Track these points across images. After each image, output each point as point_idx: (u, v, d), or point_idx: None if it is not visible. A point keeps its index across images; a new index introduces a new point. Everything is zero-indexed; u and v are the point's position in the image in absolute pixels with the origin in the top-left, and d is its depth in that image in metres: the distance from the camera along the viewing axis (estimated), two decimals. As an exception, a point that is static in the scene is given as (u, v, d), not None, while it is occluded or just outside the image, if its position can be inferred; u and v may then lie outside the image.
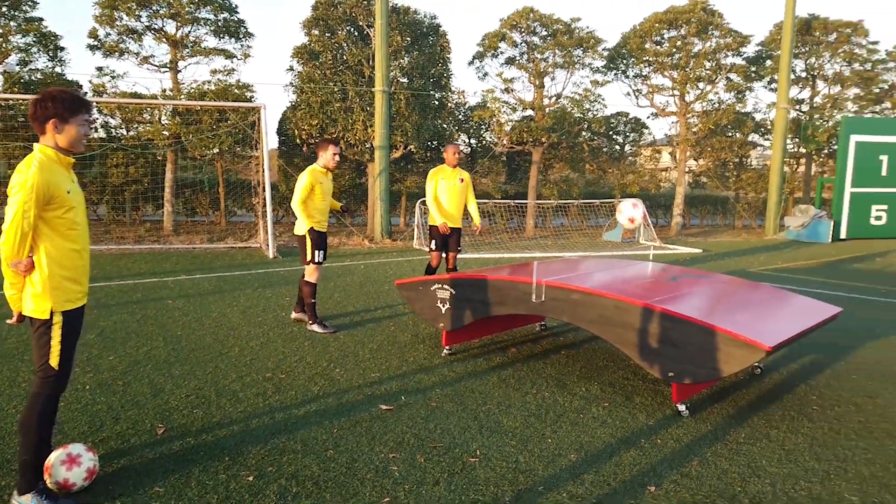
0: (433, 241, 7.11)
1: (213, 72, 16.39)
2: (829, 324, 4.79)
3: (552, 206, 19.73)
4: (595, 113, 19.27)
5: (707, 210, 24.36)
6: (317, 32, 16.73)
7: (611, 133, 22.34)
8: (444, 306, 5.34)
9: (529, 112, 19.36)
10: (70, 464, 2.93)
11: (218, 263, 11.02)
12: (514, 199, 18.57)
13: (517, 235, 17.89)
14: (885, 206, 18.11)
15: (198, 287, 8.60)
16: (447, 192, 7.05)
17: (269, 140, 13.32)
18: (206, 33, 16.52)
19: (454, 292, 5.26)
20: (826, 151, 21.79)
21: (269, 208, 12.29)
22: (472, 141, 21.04)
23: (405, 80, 17.29)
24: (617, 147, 22.80)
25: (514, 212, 18.80)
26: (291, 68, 17.12)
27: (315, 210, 6.18)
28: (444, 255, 7.18)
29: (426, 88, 17.16)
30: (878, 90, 22.93)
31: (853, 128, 17.82)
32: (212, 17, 16.34)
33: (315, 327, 6.23)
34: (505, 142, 19.11)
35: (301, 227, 6.19)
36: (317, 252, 6.20)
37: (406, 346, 5.72)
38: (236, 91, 15.96)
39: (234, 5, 16.61)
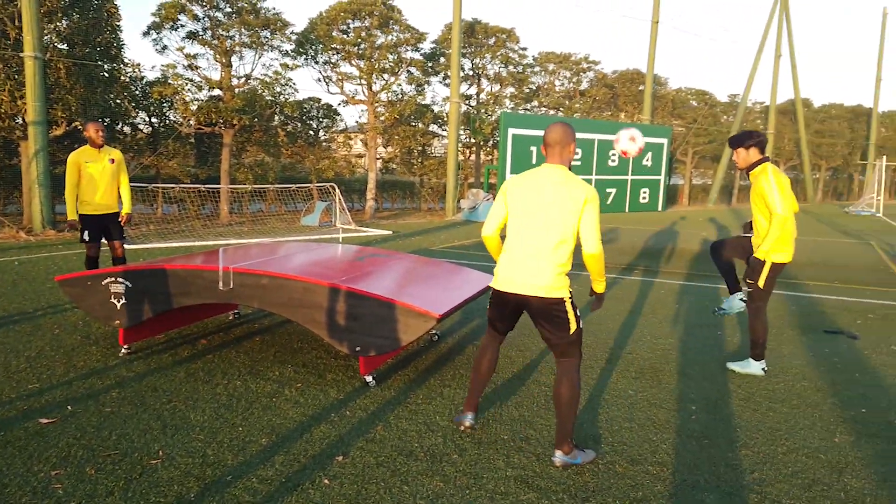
0: (85, 232, 6.46)
1: None
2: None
3: (248, 190, 19.13)
4: (287, 97, 19.13)
5: (397, 194, 26.04)
6: (-64, -23, 13.50)
7: (304, 118, 22.42)
8: (118, 301, 4.85)
9: (217, 92, 18.39)
10: None
11: None
12: (206, 184, 17.52)
13: (210, 222, 16.95)
14: (535, 190, 21.42)
15: None
16: (96, 176, 6.41)
17: None
18: None
19: (130, 285, 4.81)
20: (491, 142, 24.93)
21: None
22: (154, 120, 19.24)
23: (64, 46, 15.00)
24: (311, 132, 22.99)
25: (207, 197, 17.76)
26: None
27: None
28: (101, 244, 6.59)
29: (92, 58, 15.12)
30: (528, 90, 27.06)
31: (510, 122, 20.70)
32: None
33: None
34: (192, 122, 17.88)
35: None
36: None
37: (74, 350, 5.06)
38: None
39: None
